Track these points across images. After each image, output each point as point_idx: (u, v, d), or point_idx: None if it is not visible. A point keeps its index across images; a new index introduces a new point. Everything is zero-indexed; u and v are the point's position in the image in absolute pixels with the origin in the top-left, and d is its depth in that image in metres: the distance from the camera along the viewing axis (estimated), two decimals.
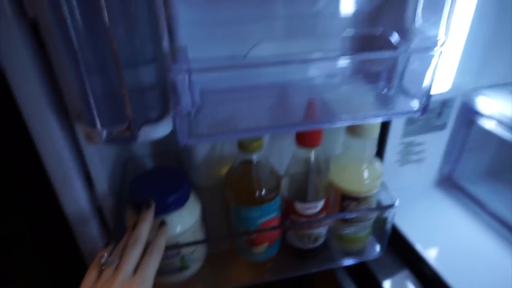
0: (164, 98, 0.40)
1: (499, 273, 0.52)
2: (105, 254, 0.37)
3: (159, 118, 0.39)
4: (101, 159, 0.48)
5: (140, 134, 0.37)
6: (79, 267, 0.54)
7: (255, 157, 0.45)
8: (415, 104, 0.40)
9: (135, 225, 0.41)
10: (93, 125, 0.36)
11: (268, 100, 0.42)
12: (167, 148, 0.57)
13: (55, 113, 0.40)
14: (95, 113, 0.35)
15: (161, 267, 0.47)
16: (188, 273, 0.50)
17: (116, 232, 0.45)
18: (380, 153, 0.60)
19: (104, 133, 0.35)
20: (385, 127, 0.58)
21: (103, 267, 0.36)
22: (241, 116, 0.39)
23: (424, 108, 0.39)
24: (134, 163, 0.56)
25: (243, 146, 0.43)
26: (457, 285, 0.50)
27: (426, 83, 0.38)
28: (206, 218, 0.54)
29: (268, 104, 0.42)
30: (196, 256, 0.49)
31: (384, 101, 0.41)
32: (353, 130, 0.45)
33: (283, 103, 0.41)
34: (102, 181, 0.48)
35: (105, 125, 0.36)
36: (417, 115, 0.39)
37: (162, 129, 0.39)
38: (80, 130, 0.42)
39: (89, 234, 0.49)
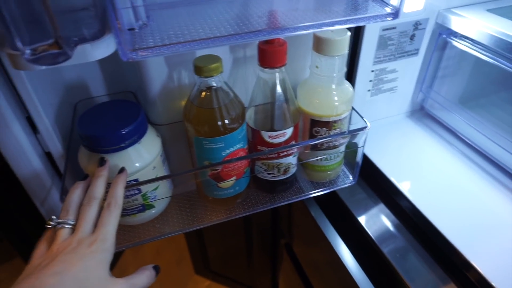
0: (103, 13, 0.35)
1: (474, 200, 0.52)
2: (53, 217, 0.34)
3: (97, 36, 0.34)
4: (42, 101, 0.43)
5: (76, 54, 0.32)
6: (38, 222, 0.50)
7: (214, 82, 0.41)
8: (387, 9, 0.37)
9: (86, 176, 0.38)
10: (15, 45, 0.30)
11: (226, 13, 0.38)
12: (122, 87, 0.52)
13: None
14: (14, 32, 0.29)
15: (124, 207, 0.44)
16: (154, 212, 0.48)
17: (66, 174, 0.41)
18: (351, 81, 0.57)
19: (28, 51, 0.30)
20: (355, 52, 0.55)
21: (56, 229, 0.33)
22: (195, 29, 0.34)
23: (397, 12, 0.35)
24: (86, 105, 0.51)
25: (199, 69, 0.39)
26: (431, 215, 0.49)
27: None
28: (170, 158, 0.51)
29: (226, 17, 0.37)
30: (160, 194, 0.46)
31: (354, 8, 0.38)
32: (321, 47, 0.41)
33: (242, 16, 0.37)
34: (45, 123, 0.44)
35: (29, 44, 0.30)
36: (389, 18, 0.35)
37: (103, 49, 0.34)
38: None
39: (38, 181, 0.45)
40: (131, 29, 0.34)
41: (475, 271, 0.43)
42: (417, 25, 0.56)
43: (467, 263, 0.44)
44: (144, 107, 0.49)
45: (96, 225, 0.34)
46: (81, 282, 0.29)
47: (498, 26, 0.51)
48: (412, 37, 0.57)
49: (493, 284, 0.42)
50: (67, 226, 0.33)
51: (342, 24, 0.35)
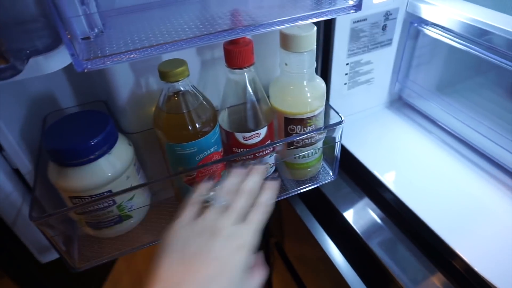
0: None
1: (455, 187, 0.52)
2: (204, 191, 0.35)
3: (52, 47, 0.32)
4: (5, 116, 0.41)
5: (29, 66, 0.31)
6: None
7: (181, 87, 0.40)
8: (350, 2, 0.36)
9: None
10: None
11: (187, 16, 0.36)
12: (92, 96, 0.51)
13: None
14: None
15: (99, 219, 0.43)
16: (133, 221, 0.47)
17: (35, 191, 0.40)
18: (326, 75, 0.57)
19: None
20: (328, 47, 0.54)
21: (207, 203, 0.33)
22: (154, 34, 0.33)
23: (359, 4, 0.35)
24: (56, 117, 0.49)
25: (165, 74, 0.38)
26: (414, 205, 0.49)
27: None
28: (146, 166, 0.49)
29: (186, 19, 0.36)
30: (137, 203, 0.45)
31: (318, 3, 0.37)
32: (288, 44, 0.41)
33: (203, 18, 0.36)
34: (10, 140, 0.42)
35: None
36: (352, 10, 0.35)
37: (58, 60, 0.33)
38: None
39: (7, 200, 0.43)
40: (86, 38, 0.33)
41: (460, 259, 0.43)
42: (388, 15, 0.55)
43: (452, 252, 0.44)
44: (115, 116, 0.47)
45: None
46: None
47: (468, 12, 0.50)
48: (384, 28, 0.56)
49: (477, 270, 0.42)
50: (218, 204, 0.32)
51: (304, 20, 0.35)
